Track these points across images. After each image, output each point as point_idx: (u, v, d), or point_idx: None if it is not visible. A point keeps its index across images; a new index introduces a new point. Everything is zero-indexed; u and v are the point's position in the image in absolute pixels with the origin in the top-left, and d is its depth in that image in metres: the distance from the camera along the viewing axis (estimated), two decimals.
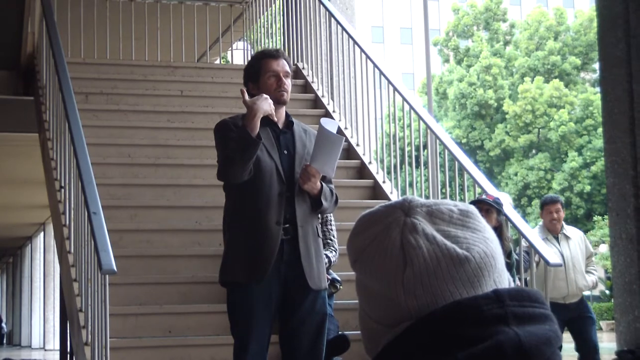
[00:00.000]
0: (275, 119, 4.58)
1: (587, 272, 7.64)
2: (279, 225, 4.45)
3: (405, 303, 1.13)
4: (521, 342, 1.08)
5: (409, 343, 1.11)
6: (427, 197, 7.83)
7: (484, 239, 1.17)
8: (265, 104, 4.49)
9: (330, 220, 6.19)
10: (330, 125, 4.63)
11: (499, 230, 5.99)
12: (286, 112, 4.77)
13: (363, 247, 1.18)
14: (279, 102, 4.65)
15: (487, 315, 1.10)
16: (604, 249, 33.35)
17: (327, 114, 8.44)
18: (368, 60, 8.11)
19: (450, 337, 1.09)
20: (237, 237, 4.53)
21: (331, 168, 4.59)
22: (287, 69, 4.71)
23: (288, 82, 4.69)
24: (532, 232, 6.38)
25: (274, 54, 4.75)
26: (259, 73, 4.69)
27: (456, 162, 7.00)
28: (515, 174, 38.78)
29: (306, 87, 9.04)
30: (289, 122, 4.72)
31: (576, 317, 7.42)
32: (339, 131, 4.68)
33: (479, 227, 1.18)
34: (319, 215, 4.76)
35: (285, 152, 4.61)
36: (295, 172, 4.56)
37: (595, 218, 36.15)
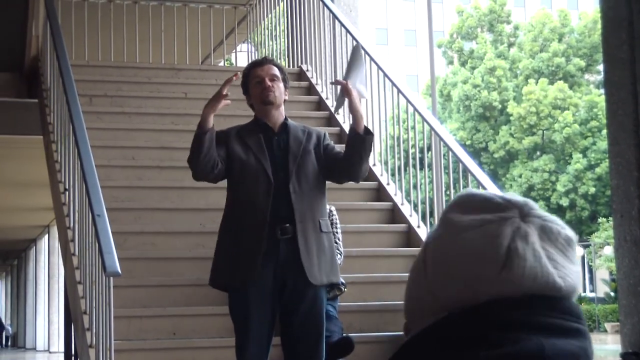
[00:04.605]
0: (226, 93, 4.60)
1: None
2: (263, 225, 4.47)
3: (481, 295, 1.14)
4: (544, 354, 1.08)
5: (442, 332, 1.13)
6: (430, 199, 7.83)
7: (577, 273, 1.18)
8: (212, 98, 4.60)
9: (336, 223, 6.20)
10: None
11: None
12: (286, 116, 4.81)
13: (467, 226, 1.17)
14: (265, 103, 4.70)
15: (515, 320, 1.11)
16: (608, 250, 33.32)
17: (331, 116, 8.45)
18: (372, 62, 8.11)
19: (477, 336, 1.10)
20: (222, 239, 4.63)
21: (363, 85, 4.88)
22: (274, 72, 4.75)
23: (277, 85, 4.72)
24: None
25: (259, 62, 4.86)
26: (248, 83, 4.77)
27: (460, 164, 7.00)
28: (520, 176, 38.77)
29: (310, 89, 9.05)
30: (284, 125, 4.74)
31: None
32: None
33: (574, 260, 1.19)
34: (326, 209, 4.76)
35: (278, 153, 4.63)
36: (289, 169, 4.58)
37: (599, 220, 36.14)
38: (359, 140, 4.59)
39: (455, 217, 1.19)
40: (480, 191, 1.21)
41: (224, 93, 4.55)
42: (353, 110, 4.64)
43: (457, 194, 1.24)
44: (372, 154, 7.97)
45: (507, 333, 1.10)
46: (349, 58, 5.02)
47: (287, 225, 4.50)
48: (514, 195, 1.20)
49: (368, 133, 4.61)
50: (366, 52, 8.20)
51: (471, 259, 1.15)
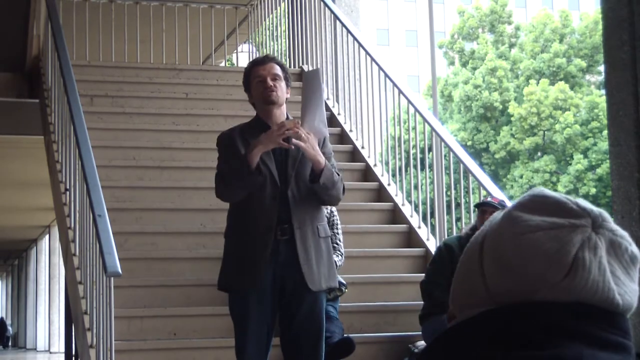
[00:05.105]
0: (290, 146, 4.50)
1: None
2: (271, 230, 4.45)
3: (537, 297, 1.14)
4: None
5: (486, 325, 1.13)
6: (431, 200, 7.83)
7: (635, 292, 1.17)
8: (268, 138, 4.46)
9: (337, 224, 6.20)
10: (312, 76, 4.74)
11: None
12: (288, 115, 4.77)
13: (536, 227, 1.15)
14: (267, 102, 4.66)
15: (561, 326, 1.11)
16: None
17: (332, 117, 8.45)
18: (373, 63, 8.11)
19: (520, 335, 1.10)
20: (230, 242, 4.59)
21: (322, 122, 4.62)
22: (276, 71, 4.68)
23: (279, 84, 4.66)
24: None
25: (260, 60, 4.78)
26: (249, 82, 4.72)
27: (461, 165, 7.00)
28: (521, 177, 38.75)
29: None
30: None
31: None
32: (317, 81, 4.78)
33: (635, 278, 1.18)
34: (324, 214, 4.74)
35: (280, 156, 4.61)
36: (288, 173, 4.55)
37: None
38: (311, 183, 4.52)
39: (523, 215, 1.17)
40: (554, 193, 1.19)
41: (283, 142, 4.44)
42: (308, 157, 4.50)
43: (529, 191, 1.21)
44: (373, 154, 7.98)
45: (550, 337, 1.09)
46: (306, 85, 4.75)
47: (286, 226, 4.49)
48: (589, 203, 1.18)
49: (314, 181, 4.48)
50: (367, 53, 8.21)
51: (535, 260, 1.13)
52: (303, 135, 4.45)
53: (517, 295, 1.14)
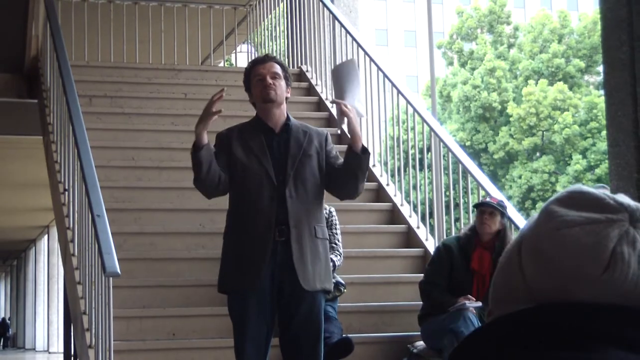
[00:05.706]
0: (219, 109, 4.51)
1: None
2: (270, 229, 4.46)
3: (577, 294, 1.12)
4: None
5: (522, 323, 1.12)
6: (430, 200, 7.84)
7: None
8: (203, 112, 4.51)
9: (335, 224, 6.19)
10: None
11: (502, 233, 5.97)
12: (288, 114, 4.77)
13: (572, 222, 1.15)
14: (265, 100, 4.65)
15: (602, 328, 1.09)
16: None
17: (331, 117, 8.45)
18: (372, 63, 8.11)
19: (558, 335, 1.09)
20: (228, 244, 4.59)
21: (360, 102, 4.81)
22: (276, 70, 4.69)
23: (278, 83, 4.66)
24: None
25: (260, 59, 4.79)
26: (250, 81, 4.72)
27: (460, 165, 7.00)
28: (520, 177, 38.77)
29: (310, 90, 9.05)
30: (285, 125, 4.71)
31: None
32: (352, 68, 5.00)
33: None
34: (323, 215, 4.74)
35: (279, 156, 4.61)
36: (287, 173, 4.55)
37: None
38: (355, 158, 4.56)
39: (560, 211, 1.16)
40: (592, 189, 1.18)
41: (214, 110, 4.47)
42: (351, 130, 4.59)
43: (567, 188, 1.20)
44: (372, 154, 7.98)
45: (590, 341, 1.08)
46: (342, 72, 4.91)
47: (283, 227, 4.49)
48: (627, 198, 1.17)
49: (365, 152, 4.58)
50: (366, 54, 8.22)
51: (572, 256, 1.12)
52: (349, 105, 4.57)
53: (556, 292, 1.13)
